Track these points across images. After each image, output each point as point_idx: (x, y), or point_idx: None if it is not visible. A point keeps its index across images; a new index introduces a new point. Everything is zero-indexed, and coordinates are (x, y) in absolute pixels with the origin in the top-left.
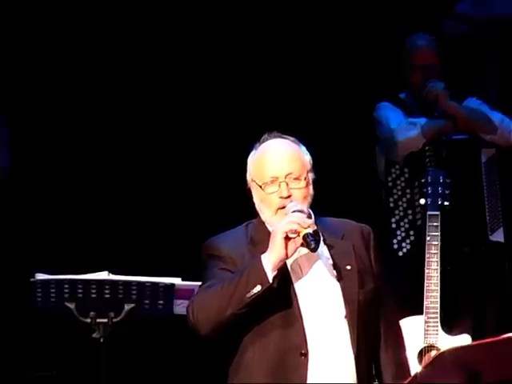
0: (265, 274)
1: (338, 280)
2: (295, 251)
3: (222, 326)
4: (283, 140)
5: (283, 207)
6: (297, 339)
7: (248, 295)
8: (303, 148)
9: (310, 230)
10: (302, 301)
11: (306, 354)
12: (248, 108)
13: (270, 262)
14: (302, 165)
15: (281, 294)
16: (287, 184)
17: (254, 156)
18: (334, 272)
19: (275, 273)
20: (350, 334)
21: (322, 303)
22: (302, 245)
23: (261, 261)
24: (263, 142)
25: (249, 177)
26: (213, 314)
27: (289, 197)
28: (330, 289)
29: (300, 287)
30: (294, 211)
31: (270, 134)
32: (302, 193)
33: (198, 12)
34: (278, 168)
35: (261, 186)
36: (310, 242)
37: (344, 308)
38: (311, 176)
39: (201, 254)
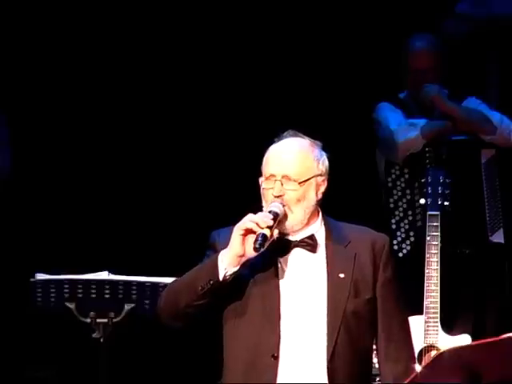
0: (216, 269)
1: (328, 287)
2: (256, 250)
3: (180, 316)
4: (297, 140)
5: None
6: (270, 340)
7: (199, 288)
8: (317, 152)
9: (266, 232)
10: (283, 302)
11: (277, 357)
12: (247, 109)
13: (226, 258)
14: (306, 168)
15: (266, 291)
16: (282, 184)
17: (268, 150)
18: (325, 278)
19: (235, 269)
20: (328, 342)
21: (304, 308)
22: (272, 242)
23: (217, 256)
24: (281, 139)
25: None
26: (170, 303)
27: (279, 196)
28: (315, 294)
29: (285, 288)
30: (269, 211)
31: (289, 132)
32: (296, 195)
33: (207, 10)
34: (278, 167)
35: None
36: (257, 241)
37: (326, 316)
38: (316, 181)
39: None
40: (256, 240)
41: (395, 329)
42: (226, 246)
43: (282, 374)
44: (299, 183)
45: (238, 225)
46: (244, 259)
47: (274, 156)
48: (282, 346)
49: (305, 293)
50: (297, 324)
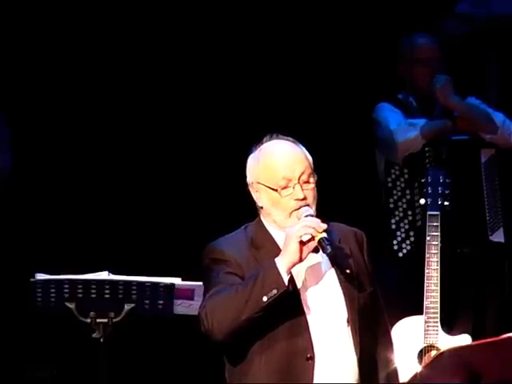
0: (281, 277)
1: (340, 284)
2: (307, 255)
3: (237, 331)
4: (286, 141)
5: (298, 208)
6: (303, 343)
7: (264, 299)
8: (304, 149)
9: (325, 235)
10: (307, 306)
11: (312, 358)
12: (247, 110)
13: (284, 266)
14: (310, 165)
15: (286, 299)
16: (301, 185)
17: (259, 158)
18: (336, 276)
19: (289, 276)
20: (353, 337)
21: (327, 307)
22: (314, 249)
23: (275, 264)
24: (265, 143)
25: (252, 179)
26: (228, 319)
27: (304, 198)
28: (333, 293)
29: (304, 292)
30: (306, 216)
31: (271, 136)
32: (312, 194)
33: (196, 13)
34: (291, 169)
35: (276, 190)
36: (327, 246)
37: (346, 312)
38: (315, 177)
39: (202, 259)
40: (323, 247)
41: (383, 320)
42: (236, 254)
43: (319, 374)
44: (313, 181)
45: (293, 233)
46: (294, 266)
47: (281, 160)
48: (314, 346)
49: (323, 294)
50: (324, 325)
